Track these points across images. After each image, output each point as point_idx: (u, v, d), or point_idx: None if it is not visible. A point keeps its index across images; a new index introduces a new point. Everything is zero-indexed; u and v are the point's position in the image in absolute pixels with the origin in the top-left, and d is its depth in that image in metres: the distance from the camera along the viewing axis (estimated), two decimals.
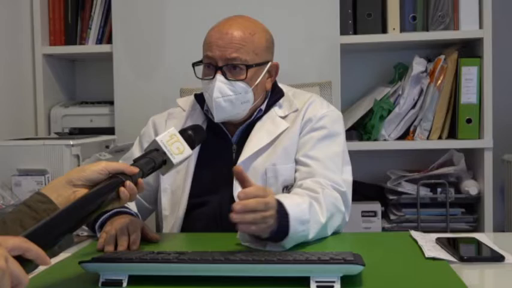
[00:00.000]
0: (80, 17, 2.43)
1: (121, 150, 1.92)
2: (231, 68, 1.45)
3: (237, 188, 1.42)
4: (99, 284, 0.98)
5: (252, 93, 1.48)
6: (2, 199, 1.51)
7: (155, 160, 1.17)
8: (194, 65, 1.50)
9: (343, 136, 1.52)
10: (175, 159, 1.20)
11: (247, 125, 1.53)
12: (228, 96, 1.45)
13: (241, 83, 1.45)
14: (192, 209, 1.49)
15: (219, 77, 1.44)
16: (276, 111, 1.53)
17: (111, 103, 2.36)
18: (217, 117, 1.48)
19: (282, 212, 1.16)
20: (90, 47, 2.40)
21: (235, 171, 1.18)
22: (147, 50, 2.30)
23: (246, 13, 1.55)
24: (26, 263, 0.78)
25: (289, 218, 1.16)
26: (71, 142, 1.78)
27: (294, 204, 1.20)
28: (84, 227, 1.37)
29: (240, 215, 1.10)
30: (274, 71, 1.55)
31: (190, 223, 1.49)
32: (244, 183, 1.17)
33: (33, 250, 0.79)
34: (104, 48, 2.37)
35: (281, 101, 1.55)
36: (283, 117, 1.52)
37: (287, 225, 1.16)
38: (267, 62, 1.51)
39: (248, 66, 1.44)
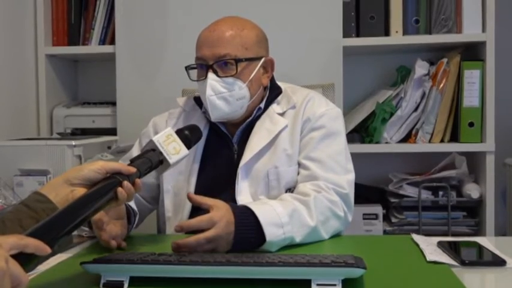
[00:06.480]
0: (83, 18, 2.43)
1: (123, 151, 1.91)
2: (222, 65, 1.45)
3: (239, 190, 1.44)
4: (101, 285, 0.98)
5: (247, 89, 1.47)
6: (4, 199, 1.51)
7: (152, 160, 1.17)
8: (187, 68, 1.50)
9: (343, 133, 1.51)
10: (171, 159, 1.20)
11: (247, 125, 1.52)
12: (222, 94, 1.44)
13: (233, 78, 1.45)
14: (196, 211, 1.48)
15: (211, 75, 1.44)
16: (274, 108, 1.52)
17: (114, 104, 2.37)
18: (213, 116, 1.47)
19: (245, 221, 1.20)
20: (93, 47, 2.41)
21: (189, 199, 1.24)
22: (149, 51, 2.30)
23: (248, 15, 1.55)
24: (26, 261, 0.78)
25: (261, 224, 1.19)
26: (73, 143, 1.78)
27: (262, 210, 1.23)
28: (84, 227, 1.37)
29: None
30: (269, 67, 1.54)
31: None
32: (202, 207, 1.22)
33: (31, 244, 0.79)
34: (107, 49, 2.37)
35: (279, 97, 1.55)
36: (282, 114, 1.51)
37: (249, 234, 1.20)
38: (260, 58, 1.50)
39: (237, 61, 1.44)
